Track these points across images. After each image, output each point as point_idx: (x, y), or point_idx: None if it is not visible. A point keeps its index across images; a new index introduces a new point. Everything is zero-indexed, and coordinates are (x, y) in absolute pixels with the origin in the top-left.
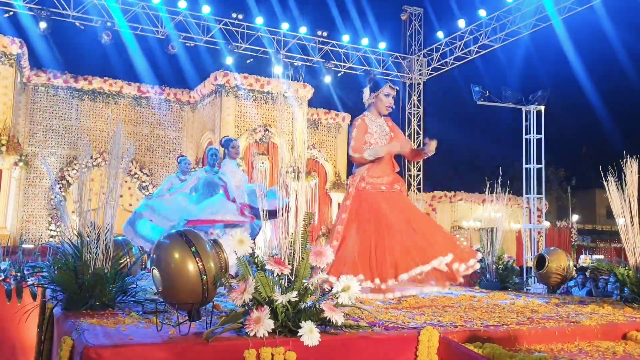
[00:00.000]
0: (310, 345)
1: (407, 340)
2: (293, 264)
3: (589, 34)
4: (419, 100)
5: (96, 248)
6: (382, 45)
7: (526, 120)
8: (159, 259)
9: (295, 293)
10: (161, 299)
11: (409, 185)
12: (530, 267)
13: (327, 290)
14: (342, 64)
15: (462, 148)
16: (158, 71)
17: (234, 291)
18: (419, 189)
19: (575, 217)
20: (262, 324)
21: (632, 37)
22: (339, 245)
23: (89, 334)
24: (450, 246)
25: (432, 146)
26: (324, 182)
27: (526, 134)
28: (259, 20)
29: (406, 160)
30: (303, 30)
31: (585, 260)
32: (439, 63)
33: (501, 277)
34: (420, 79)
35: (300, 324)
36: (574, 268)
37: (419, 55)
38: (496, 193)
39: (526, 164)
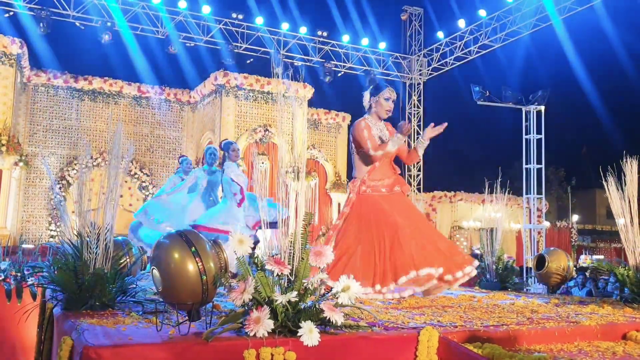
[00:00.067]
0: (310, 345)
1: (406, 341)
2: (293, 264)
3: (589, 34)
4: (419, 100)
5: (96, 248)
6: (382, 45)
7: (526, 120)
8: (159, 259)
9: (295, 293)
10: (161, 299)
11: (409, 185)
12: (530, 267)
13: (325, 291)
14: (342, 64)
15: (462, 148)
16: (158, 71)
17: (234, 291)
18: (419, 189)
19: (575, 217)
20: (262, 324)
21: (632, 37)
22: (336, 259)
23: (88, 334)
24: (443, 257)
25: (432, 132)
26: (324, 182)
27: (526, 134)
28: (259, 21)
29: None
30: (303, 30)
31: (585, 260)
32: (439, 63)
33: (501, 277)
34: (420, 79)
35: (300, 324)
36: (574, 268)
37: (419, 56)
38: (496, 193)
39: (526, 164)
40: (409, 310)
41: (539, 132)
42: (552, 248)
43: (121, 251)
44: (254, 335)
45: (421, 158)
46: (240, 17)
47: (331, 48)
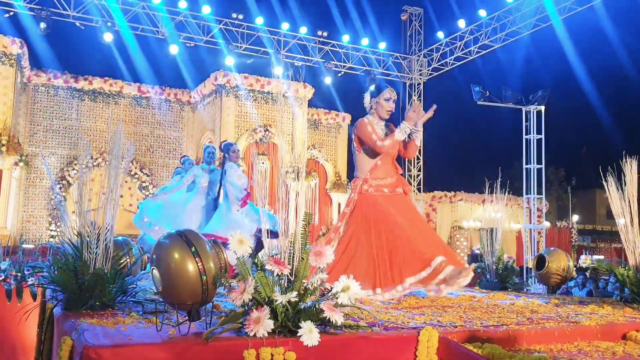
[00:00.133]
0: (309, 345)
1: (406, 341)
2: (293, 264)
3: (589, 34)
4: (419, 100)
5: (96, 248)
6: (382, 45)
7: (526, 121)
8: (159, 259)
9: (294, 293)
10: (161, 299)
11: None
12: (530, 268)
13: (325, 291)
14: (342, 64)
15: (462, 148)
16: (158, 71)
17: (234, 291)
18: (419, 189)
19: (575, 217)
20: (262, 324)
21: (633, 37)
22: (336, 259)
23: (88, 334)
24: (445, 254)
25: (423, 118)
26: (324, 182)
27: (526, 134)
28: (259, 20)
29: (407, 160)
30: (303, 30)
31: (585, 260)
32: (439, 63)
33: (501, 278)
34: (420, 79)
35: (299, 324)
36: (574, 268)
37: (419, 56)
38: (496, 193)
39: (526, 164)
40: (409, 310)
41: (539, 132)
42: (552, 248)
43: (121, 251)
44: (254, 335)
45: (419, 146)
46: (240, 17)
47: (331, 48)
